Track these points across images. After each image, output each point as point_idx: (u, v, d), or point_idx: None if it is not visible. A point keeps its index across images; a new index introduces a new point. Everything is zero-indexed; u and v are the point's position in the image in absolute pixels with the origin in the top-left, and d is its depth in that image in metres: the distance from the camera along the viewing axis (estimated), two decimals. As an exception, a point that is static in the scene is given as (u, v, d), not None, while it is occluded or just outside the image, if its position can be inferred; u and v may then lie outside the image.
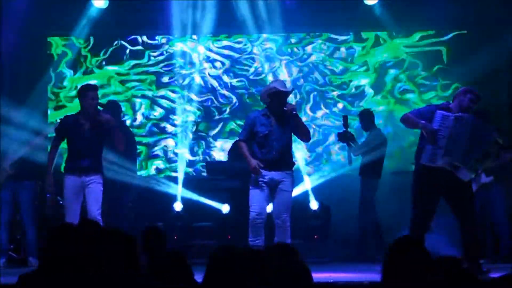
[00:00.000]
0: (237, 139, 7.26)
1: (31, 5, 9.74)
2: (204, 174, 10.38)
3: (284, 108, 6.86)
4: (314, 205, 9.52)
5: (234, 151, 9.72)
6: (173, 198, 9.58)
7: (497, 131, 8.28)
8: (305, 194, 9.42)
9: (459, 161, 6.70)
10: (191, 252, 9.03)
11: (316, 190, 9.49)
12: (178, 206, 9.52)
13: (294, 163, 7.15)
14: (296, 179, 7.63)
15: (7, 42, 9.30)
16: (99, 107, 7.28)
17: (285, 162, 7.01)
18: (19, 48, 9.98)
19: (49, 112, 10.70)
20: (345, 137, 8.96)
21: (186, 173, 10.36)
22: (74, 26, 10.26)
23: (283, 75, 10.67)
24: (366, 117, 9.39)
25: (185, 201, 9.60)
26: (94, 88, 7.39)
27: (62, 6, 10.04)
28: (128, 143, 9.16)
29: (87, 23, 10.19)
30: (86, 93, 7.24)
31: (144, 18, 10.45)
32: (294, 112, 6.89)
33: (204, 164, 10.46)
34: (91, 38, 10.78)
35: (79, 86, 7.66)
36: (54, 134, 7.44)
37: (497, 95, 9.83)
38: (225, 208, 9.41)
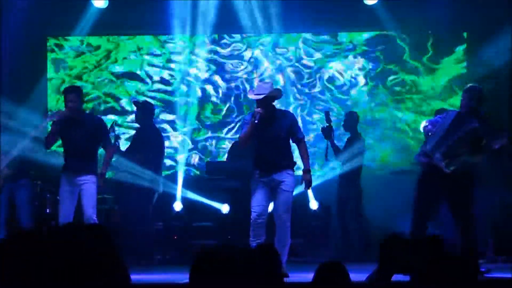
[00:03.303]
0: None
1: (31, 5, 9.74)
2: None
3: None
4: (314, 205, 9.52)
5: (232, 152, 9.73)
6: (173, 198, 9.58)
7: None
8: (305, 194, 9.41)
9: (431, 150, 6.82)
10: (191, 252, 9.04)
11: (316, 190, 9.48)
12: (178, 206, 9.52)
13: (295, 163, 7.15)
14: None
15: (7, 42, 9.30)
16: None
17: (285, 162, 7.02)
18: (19, 48, 9.98)
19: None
20: (328, 131, 9.06)
21: (186, 173, 10.37)
22: (74, 26, 10.25)
23: (280, 75, 10.70)
24: (349, 119, 9.61)
25: (185, 201, 9.60)
26: (73, 90, 7.45)
27: (62, 6, 10.03)
28: (153, 146, 9.16)
29: (87, 23, 10.19)
30: (66, 95, 7.34)
31: (144, 18, 10.44)
32: (256, 121, 6.83)
33: (204, 164, 10.45)
34: (91, 38, 10.78)
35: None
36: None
37: (497, 95, 9.83)
38: (225, 208, 9.41)
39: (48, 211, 8.91)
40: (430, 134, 7.11)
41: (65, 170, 7.31)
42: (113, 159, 8.12)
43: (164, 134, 10.03)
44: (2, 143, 8.30)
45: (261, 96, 6.89)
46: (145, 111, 9.28)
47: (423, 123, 7.30)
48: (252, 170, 7.10)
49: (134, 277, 6.74)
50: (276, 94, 7.04)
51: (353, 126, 9.60)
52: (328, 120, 8.92)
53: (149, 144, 9.11)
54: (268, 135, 6.98)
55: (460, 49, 10.57)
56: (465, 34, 10.57)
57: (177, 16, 10.34)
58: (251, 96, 7.05)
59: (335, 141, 9.32)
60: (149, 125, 9.31)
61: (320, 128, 9.23)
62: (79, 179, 7.21)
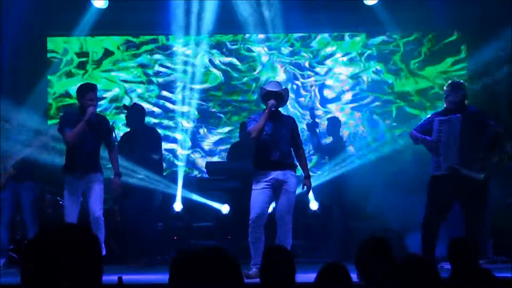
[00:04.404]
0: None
1: (31, 5, 9.74)
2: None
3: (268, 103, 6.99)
4: (314, 205, 9.53)
5: (232, 152, 9.73)
6: (173, 198, 9.57)
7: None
8: (305, 195, 9.41)
9: (457, 162, 6.75)
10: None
11: (316, 190, 9.49)
12: (178, 206, 9.52)
13: (297, 165, 7.18)
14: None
15: (7, 41, 9.30)
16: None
17: (288, 162, 7.06)
18: (19, 48, 9.98)
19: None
20: (313, 127, 9.21)
21: (186, 173, 10.37)
22: (74, 26, 10.25)
23: (281, 75, 10.71)
24: (331, 123, 9.62)
25: (185, 201, 9.60)
26: (92, 88, 7.30)
27: (62, 6, 10.02)
28: (151, 147, 9.14)
29: (87, 23, 10.18)
30: (84, 93, 7.20)
31: (144, 18, 10.44)
32: (273, 109, 6.96)
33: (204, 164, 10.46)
34: (91, 38, 10.79)
35: (78, 85, 7.59)
36: (59, 127, 7.35)
37: (497, 96, 9.84)
38: (225, 208, 9.41)
39: (49, 211, 8.91)
40: (435, 141, 6.92)
41: (72, 170, 7.18)
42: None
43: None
44: (2, 143, 8.29)
45: (280, 89, 7.07)
46: (135, 113, 9.25)
47: (412, 132, 7.18)
48: (254, 170, 7.10)
49: (134, 277, 6.77)
50: (285, 93, 7.17)
51: (336, 131, 9.59)
52: (312, 116, 9.17)
53: (146, 144, 9.09)
54: (274, 133, 7.02)
55: (461, 48, 10.61)
56: (464, 34, 10.59)
57: (177, 16, 10.34)
58: (266, 88, 7.12)
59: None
60: (141, 126, 9.28)
61: (306, 124, 9.39)
62: (85, 179, 7.15)
